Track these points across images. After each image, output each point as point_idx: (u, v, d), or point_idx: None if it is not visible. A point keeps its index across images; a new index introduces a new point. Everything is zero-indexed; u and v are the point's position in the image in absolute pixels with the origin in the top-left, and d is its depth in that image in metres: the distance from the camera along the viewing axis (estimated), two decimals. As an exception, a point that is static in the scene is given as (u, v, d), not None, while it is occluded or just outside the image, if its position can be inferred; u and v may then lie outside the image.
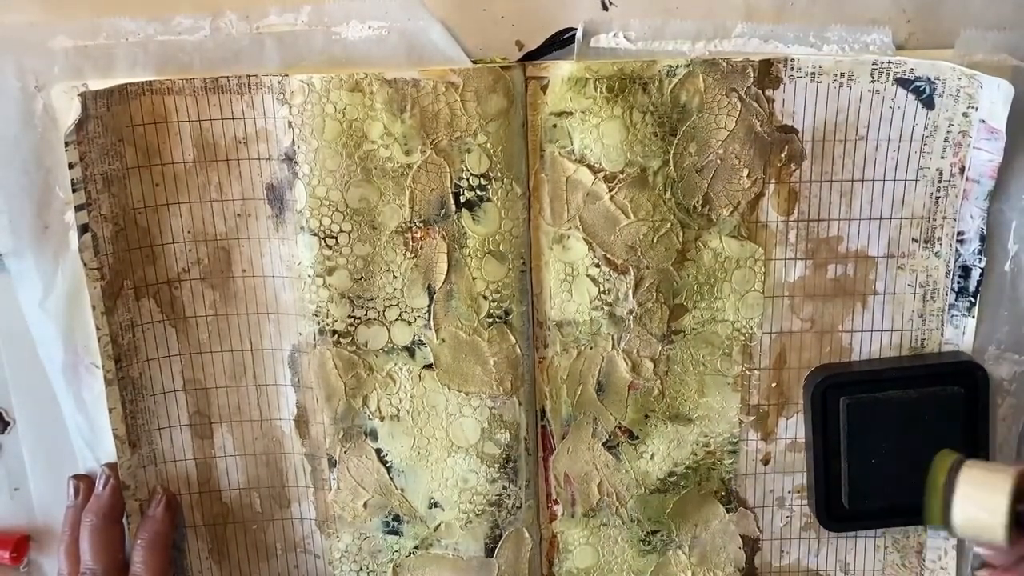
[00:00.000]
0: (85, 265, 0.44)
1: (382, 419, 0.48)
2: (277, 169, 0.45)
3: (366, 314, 0.46)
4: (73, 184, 0.43)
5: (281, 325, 0.48)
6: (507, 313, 0.46)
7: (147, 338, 0.47)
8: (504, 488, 0.48)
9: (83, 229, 0.44)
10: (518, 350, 0.47)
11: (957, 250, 0.46)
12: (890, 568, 0.50)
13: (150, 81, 0.44)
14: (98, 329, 0.45)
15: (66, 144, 0.42)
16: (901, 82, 0.43)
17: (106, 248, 0.45)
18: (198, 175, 0.46)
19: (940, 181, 0.45)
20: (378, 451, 0.48)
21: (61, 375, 0.48)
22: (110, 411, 0.45)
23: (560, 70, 0.44)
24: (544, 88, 0.44)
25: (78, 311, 0.46)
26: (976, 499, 0.40)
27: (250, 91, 0.44)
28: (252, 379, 0.48)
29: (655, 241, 0.45)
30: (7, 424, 0.50)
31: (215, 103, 0.45)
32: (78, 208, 0.43)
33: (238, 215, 0.46)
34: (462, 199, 0.45)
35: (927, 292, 0.47)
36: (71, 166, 0.43)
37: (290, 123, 0.44)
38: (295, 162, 0.45)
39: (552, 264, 0.46)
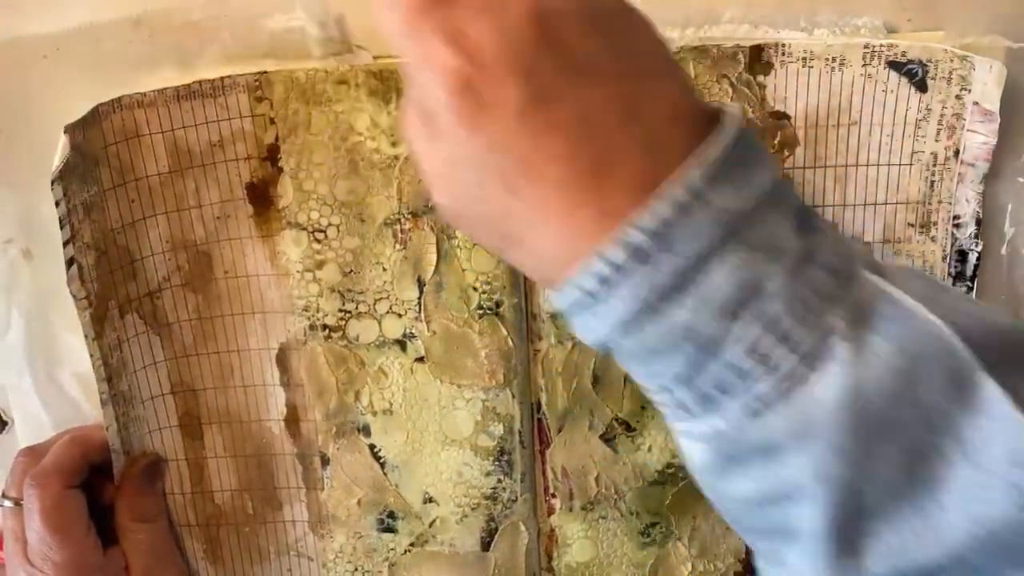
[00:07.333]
0: (74, 297, 0.42)
1: (375, 414, 0.47)
2: (257, 167, 0.45)
3: (356, 308, 0.46)
4: (60, 222, 0.41)
5: (267, 324, 0.47)
6: (498, 305, 0.46)
7: (133, 351, 0.46)
8: (499, 481, 0.48)
9: (70, 263, 0.42)
10: (510, 342, 0.46)
11: (953, 234, 0.45)
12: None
13: (119, 97, 0.43)
14: (92, 356, 0.43)
15: (52, 183, 0.41)
16: (893, 65, 0.43)
17: (90, 275, 0.43)
18: (174, 184, 0.45)
19: (935, 165, 0.44)
20: (371, 447, 0.48)
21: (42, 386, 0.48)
22: (107, 429, 0.45)
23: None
24: (532, 77, 0.44)
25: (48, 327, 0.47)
26: None
27: (224, 92, 0.44)
28: (240, 380, 0.48)
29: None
30: (5, 424, 0.50)
31: (187, 110, 0.44)
32: (65, 244, 0.42)
33: (217, 218, 0.46)
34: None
35: (923, 277, 0.46)
36: (57, 204, 0.41)
37: (272, 119, 0.44)
38: (279, 157, 0.44)
39: (544, 256, 0.46)
